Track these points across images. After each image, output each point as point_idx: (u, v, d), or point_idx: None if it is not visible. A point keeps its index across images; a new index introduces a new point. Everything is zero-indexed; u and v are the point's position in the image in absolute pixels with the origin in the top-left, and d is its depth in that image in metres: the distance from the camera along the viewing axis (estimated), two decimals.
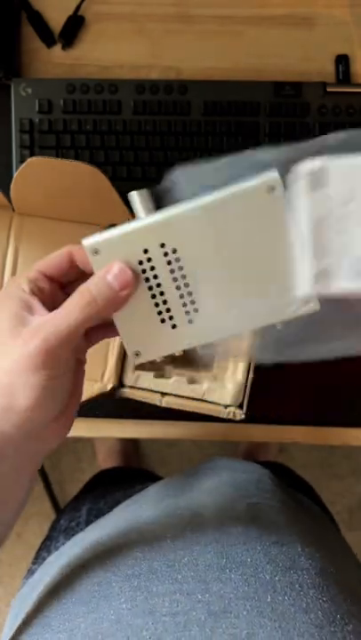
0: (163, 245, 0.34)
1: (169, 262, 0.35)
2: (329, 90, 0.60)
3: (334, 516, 0.68)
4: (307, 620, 0.33)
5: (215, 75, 0.62)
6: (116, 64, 0.63)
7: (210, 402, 0.54)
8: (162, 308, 0.36)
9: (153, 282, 0.35)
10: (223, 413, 0.54)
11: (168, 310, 0.36)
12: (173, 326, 0.36)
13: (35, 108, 0.59)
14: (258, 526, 0.43)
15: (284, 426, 0.59)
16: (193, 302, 0.35)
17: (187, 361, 0.59)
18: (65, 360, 0.34)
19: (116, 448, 1.22)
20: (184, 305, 0.35)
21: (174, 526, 0.43)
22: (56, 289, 0.37)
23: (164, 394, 0.54)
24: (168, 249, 0.34)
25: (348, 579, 0.40)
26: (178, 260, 0.34)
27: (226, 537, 0.41)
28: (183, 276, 0.35)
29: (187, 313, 0.36)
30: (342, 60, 0.62)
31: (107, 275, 0.34)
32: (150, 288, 0.35)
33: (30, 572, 0.55)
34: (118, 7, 0.62)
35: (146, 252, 0.35)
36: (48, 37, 0.62)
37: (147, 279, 0.35)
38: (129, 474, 0.89)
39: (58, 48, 0.63)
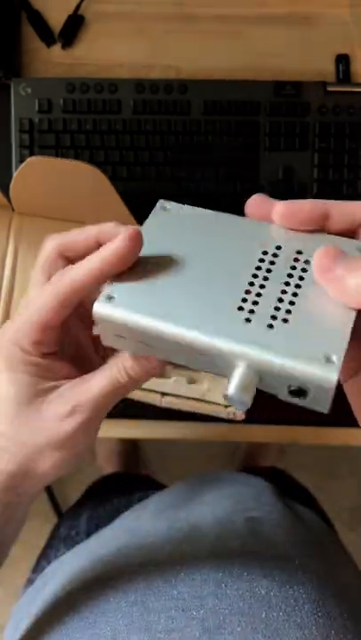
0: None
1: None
2: (329, 89, 0.59)
3: (335, 518, 0.68)
4: (300, 635, 0.33)
5: (215, 74, 0.61)
6: (115, 63, 0.62)
7: (210, 402, 0.54)
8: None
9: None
10: (224, 414, 0.53)
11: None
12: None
13: (34, 108, 0.59)
14: (255, 540, 0.43)
15: (285, 426, 0.59)
16: None
17: None
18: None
19: (116, 449, 1.22)
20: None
21: (172, 540, 0.43)
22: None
23: (164, 394, 0.54)
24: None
25: (346, 591, 0.40)
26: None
27: (223, 551, 0.41)
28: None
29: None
30: (342, 60, 0.62)
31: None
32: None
33: (29, 582, 0.55)
34: (118, 7, 0.62)
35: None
36: (48, 37, 0.62)
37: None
38: (129, 480, 0.89)
39: (57, 47, 0.63)
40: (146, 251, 0.30)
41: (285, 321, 0.27)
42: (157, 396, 0.54)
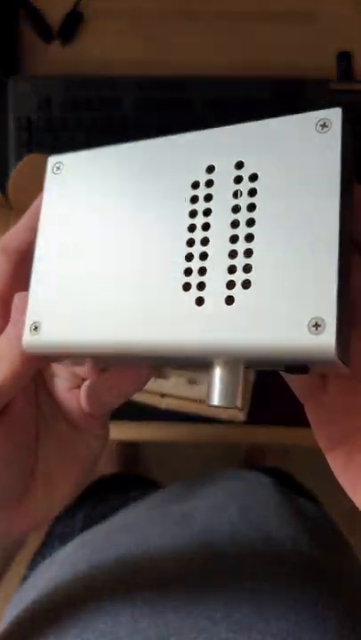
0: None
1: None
2: (331, 87, 0.59)
3: (336, 519, 0.67)
4: (284, 605, 0.33)
5: (216, 71, 0.61)
6: (115, 60, 0.62)
7: None
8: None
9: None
10: (224, 415, 0.53)
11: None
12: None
13: (33, 106, 0.58)
14: (247, 525, 0.43)
15: (286, 427, 0.58)
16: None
17: None
18: None
19: (115, 450, 1.22)
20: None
21: (163, 525, 0.44)
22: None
23: (163, 395, 0.53)
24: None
25: (342, 573, 0.41)
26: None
27: (212, 534, 0.42)
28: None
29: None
30: (345, 57, 0.61)
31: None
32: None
33: (24, 579, 0.55)
34: (117, 3, 0.62)
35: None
36: (46, 34, 0.62)
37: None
38: (126, 480, 0.89)
39: (56, 45, 0.62)
40: (51, 238, 0.25)
41: (246, 285, 0.20)
42: (157, 397, 0.53)
